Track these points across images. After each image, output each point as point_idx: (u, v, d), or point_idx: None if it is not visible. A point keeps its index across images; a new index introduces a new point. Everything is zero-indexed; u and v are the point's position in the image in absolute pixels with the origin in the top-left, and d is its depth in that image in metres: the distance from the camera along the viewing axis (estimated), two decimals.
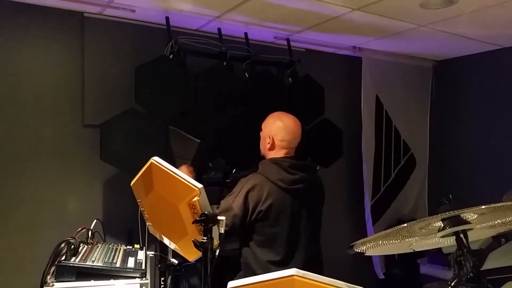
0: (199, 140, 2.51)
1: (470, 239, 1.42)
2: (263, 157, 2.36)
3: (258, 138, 2.38)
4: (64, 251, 1.99)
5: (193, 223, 1.56)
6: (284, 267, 2.02)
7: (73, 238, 2.07)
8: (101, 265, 1.94)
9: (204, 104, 2.92)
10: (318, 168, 3.43)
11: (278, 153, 2.28)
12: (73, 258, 1.95)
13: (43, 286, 1.81)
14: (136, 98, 2.68)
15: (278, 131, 2.27)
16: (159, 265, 2.70)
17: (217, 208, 2.08)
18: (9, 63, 2.66)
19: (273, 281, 1.26)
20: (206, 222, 1.52)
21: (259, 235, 2.16)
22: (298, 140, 2.31)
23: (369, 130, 4.03)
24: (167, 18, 2.89)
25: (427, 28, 3.20)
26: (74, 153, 2.84)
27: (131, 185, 1.97)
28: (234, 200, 2.12)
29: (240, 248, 2.24)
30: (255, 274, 2.04)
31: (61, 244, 2.00)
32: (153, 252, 2.64)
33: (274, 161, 2.23)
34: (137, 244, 2.42)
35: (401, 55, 4.14)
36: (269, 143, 2.28)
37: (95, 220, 2.42)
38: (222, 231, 1.57)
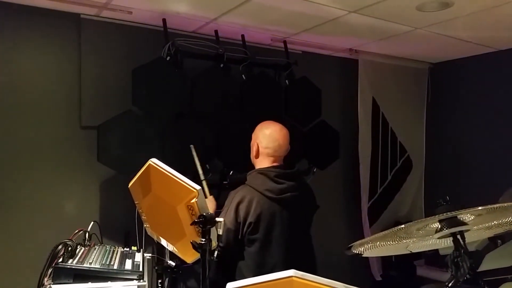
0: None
1: (467, 241, 1.43)
2: (254, 166, 2.37)
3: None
4: (61, 253, 1.98)
5: (191, 224, 1.56)
6: None
7: (70, 240, 2.06)
8: (99, 267, 1.93)
9: (201, 106, 2.92)
10: (315, 170, 3.44)
11: (264, 162, 2.28)
12: (70, 260, 1.93)
13: None
14: (133, 100, 2.68)
15: (262, 138, 2.28)
16: (156, 267, 2.70)
17: None
18: (5, 65, 2.65)
19: (272, 282, 1.26)
20: (204, 223, 1.52)
21: (251, 246, 2.16)
22: (284, 148, 2.30)
23: (366, 132, 4.05)
24: (164, 20, 2.89)
25: (423, 30, 3.21)
26: (71, 154, 2.83)
27: (129, 186, 1.97)
28: (226, 215, 2.13)
29: (235, 261, 2.23)
30: None
31: (58, 246, 1.99)
32: (150, 254, 2.63)
33: (261, 171, 2.23)
34: (134, 246, 2.41)
35: (397, 58, 4.16)
36: (255, 150, 2.30)
37: (92, 222, 2.41)
38: (221, 232, 1.58)
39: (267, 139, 2.26)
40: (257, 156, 2.30)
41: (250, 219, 2.12)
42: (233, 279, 2.20)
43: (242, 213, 2.12)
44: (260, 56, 3.26)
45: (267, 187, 2.17)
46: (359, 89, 3.95)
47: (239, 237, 2.13)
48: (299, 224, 2.30)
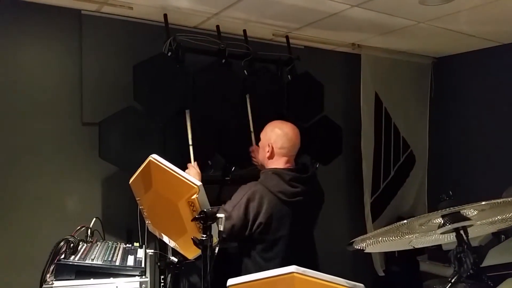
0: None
1: (470, 236, 1.42)
2: (262, 166, 2.35)
3: (257, 137, 2.38)
4: (63, 249, 1.98)
5: (192, 220, 1.56)
6: None
7: (72, 236, 2.07)
8: (101, 263, 1.93)
9: (203, 101, 2.91)
10: (318, 166, 3.43)
11: (278, 162, 2.27)
12: (73, 257, 1.94)
13: (42, 285, 1.81)
14: (135, 96, 2.67)
15: (277, 138, 2.27)
16: (158, 263, 2.69)
17: None
18: (6, 61, 2.64)
19: (273, 278, 1.27)
20: (205, 219, 1.52)
21: (259, 245, 2.16)
22: (297, 147, 2.31)
23: (369, 127, 4.03)
24: (165, 15, 2.88)
25: (426, 25, 3.19)
26: (72, 151, 2.83)
27: (130, 183, 1.97)
28: (234, 209, 2.11)
29: (241, 257, 2.23)
30: None
31: (60, 242, 1.99)
32: (152, 250, 2.63)
33: (276, 172, 2.21)
34: (136, 242, 2.42)
35: (400, 52, 4.14)
36: (268, 151, 2.28)
37: (94, 219, 2.41)
38: (221, 228, 1.57)
39: (283, 139, 2.26)
40: (271, 157, 2.29)
41: (261, 219, 2.11)
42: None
43: (252, 212, 2.11)
44: (262, 51, 3.24)
45: (281, 189, 2.16)
46: (362, 84, 3.93)
47: (246, 233, 2.13)
48: (306, 224, 2.31)
